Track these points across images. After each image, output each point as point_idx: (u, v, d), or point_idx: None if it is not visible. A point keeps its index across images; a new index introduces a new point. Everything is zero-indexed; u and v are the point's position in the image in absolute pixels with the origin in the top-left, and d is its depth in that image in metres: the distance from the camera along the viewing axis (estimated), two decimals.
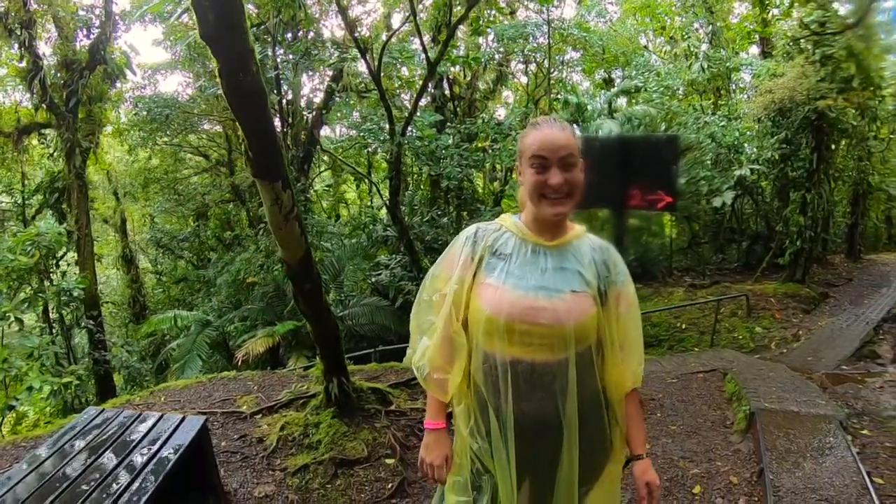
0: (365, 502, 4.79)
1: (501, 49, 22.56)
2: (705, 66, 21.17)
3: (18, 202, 20.72)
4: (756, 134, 19.13)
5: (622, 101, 21.82)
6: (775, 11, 21.40)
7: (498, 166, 23.76)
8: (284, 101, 16.50)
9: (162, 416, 4.36)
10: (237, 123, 4.49)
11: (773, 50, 19.75)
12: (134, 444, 3.98)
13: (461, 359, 2.42)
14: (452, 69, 20.50)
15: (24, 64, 16.27)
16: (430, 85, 18.06)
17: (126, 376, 18.61)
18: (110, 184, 24.58)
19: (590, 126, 17.08)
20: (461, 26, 16.54)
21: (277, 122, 16.09)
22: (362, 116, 19.91)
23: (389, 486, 4.96)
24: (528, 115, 20.62)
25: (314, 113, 19.15)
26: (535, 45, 22.36)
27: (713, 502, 4.78)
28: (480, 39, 21.91)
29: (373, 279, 16.87)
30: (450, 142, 17.00)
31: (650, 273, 19.78)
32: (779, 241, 17.56)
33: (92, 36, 17.39)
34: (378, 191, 20.64)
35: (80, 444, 4.04)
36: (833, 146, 16.77)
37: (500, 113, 28.54)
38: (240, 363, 12.95)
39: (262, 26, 14.52)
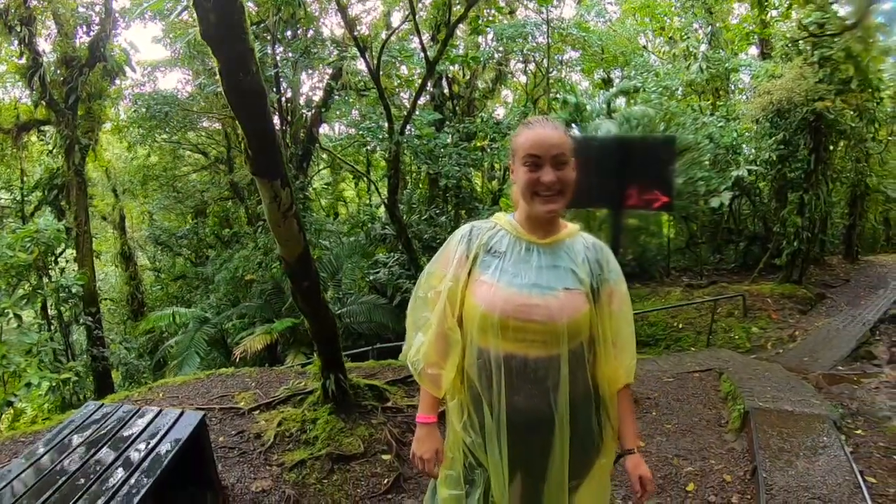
0: (361, 497, 4.82)
1: (501, 48, 22.55)
2: (704, 67, 21.22)
3: (17, 199, 20.71)
4: (754, 135, 19.16)
5: (621, 102, 21.85)
6: (774, 13, 21.41)
7: (496, 165, 23.78)
8: (284, 98, 16.53)
9: (160, 410, 4.38)
10: (237, 122, 4.52)
11: (772, 51, 19.77)
12: (132, 438, 4.01)
13: (455, 355, 2.47)
14: (452, 68, 20.52)
15: (23, 60, 16.27)
16: (429, 84, 18.08)
17: (124, 373, 18.61)
18: (109, 181, 24.55)
19: (588, 126, 17.10)
20: (461, 25, 16.56)
21: (277, 120, 16.10)
22: (361, 115, 19.90)
23: (385, 481, 5.00)
24: (527, 115, 20.63)
25: (313, 111, 19.17)
26: (534, 44, 22.39)
27: (706, 500, 4.81)
28: (480, 38, 21.92)
29: (371, 277, 16.89)
30: (448, 140, 17.02)
31: (648, 272, 19.85)
32: (776, 241, 17.60)
33: (92, 33, 17.40)
34: (377, 189, 20.65)
35: (78, 438, 4.06)
36: (831, 147, 16.80)
37: (500, 112, 28.57)
38: (238, 360, 12.99)
39: (262, 24, 14.53)
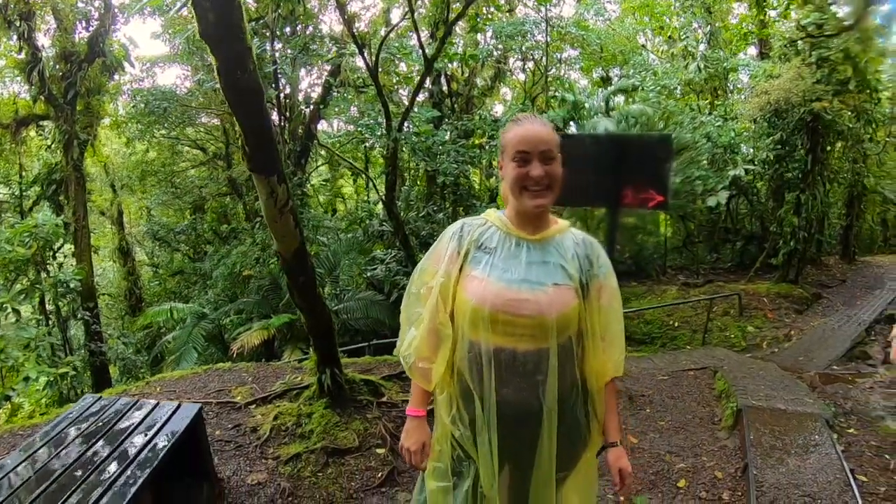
0: (355, 490, 4.86)
1: (500, 46, 22.58)
2: (702, 67, 21.23)
3: (16, 194, 20.73)
4: (752, 134, 19.19)
5: (620, 100, 21.87)
6: (773, 13, 21.43)
7: (494, 163, 23.72)
8: (282, 95, 16.54)
9: (157, 403, 4.41)
10: (234, 119, 4.57)
11: (770, 51, 19.80)
12: (130, 430, 4.03)
13: (445, 349, 2.51)
14: (451, 66, 20.55)
15: (22, 55, 16.30)
16: (427, 81, 18.10)
17: (122, 368, 18.63)
18: (108, 176, 24.54)
19: (586, 124, 17.12)
20: (460, 23, 16.58)
21: (275, 117, 16.13)
22: (360, 111, 19.93)
23: (379, 475, 5.04)
24: (526, 112, 20.65)
25: (312, 107, 19.19)
26: (532, 42, 22.40)
27: (697, 496, 4.85)
28: (479, 36, 21.93)
29: (368, 274, 16.92)
30: (446, 138, 17.04)
31: (644, 271, 19.87)
32: (773, 241, 17.62)
33: (91, 28, 17.44)
34: (374, 186, 20.67)
35: (76, 430, 4.09)
36: (828, 148, 16.81)
37: (498, 109, 28.61)
38: (235, 355, 13.01)
39: (261, 21, 14.54)
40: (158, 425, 4.07)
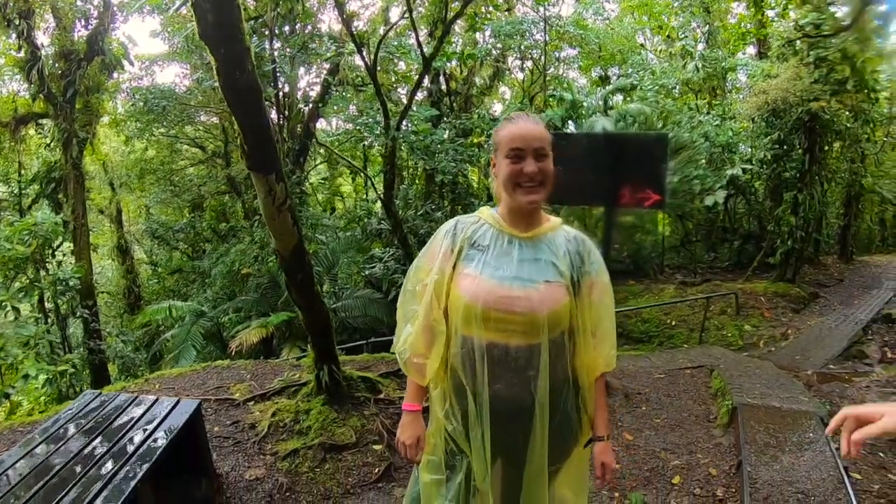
0: (352, 486, 4.92)
1: (498, 45, 22.59)
2: (700, 66, 21.24)
3: (15, 192, 20.73)
4: (750, 134, 19.21)
5: (619, 99, 21.89)
6: (771, 13, 21.44)
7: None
8: (281, 94, 16.57)
9: (157, 399, 4.45)
10: (233, 118, 4.61)
11: (769, 51, 19.82)
12: (129, 425, 4.07)
13: (440, 345, 2.55)
14: (449, 64, 20.56)
15: (22, 54, 16.29)
16: (426, 80, 18.11)
17: (120, 366, 18.63)
18: (106, 174, 24.52)
19: (584, 123, 17.15)
20: (459, 21, 16.60)
21: (274, 115, 16.16)
22: (359, 110, 19.93)
23: (376, 470, 5.10)
24: (525, 111, 20.65)
25: (311, 106, 19.20)
26: (531, 41, 22.41)
27: (692, 492, 4.89)
28: (478, 35, 21.94)
29: (366, 272, 16.94)
30: (445, 136, 17.04)
31: (642, 270, 19.89)
32: (770, 240, 17.64)
33: (90, 26, 17.44)
34: (373, 184, 20.69)
35: (76, 426, 4.12)
36: (826, 148, 16.83)
37: (497, 108, 28.60)
38: (233, 353, 13.02)
39: (260, 19, 14.55)
40: (158, 421, 4.11)
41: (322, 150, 23.68)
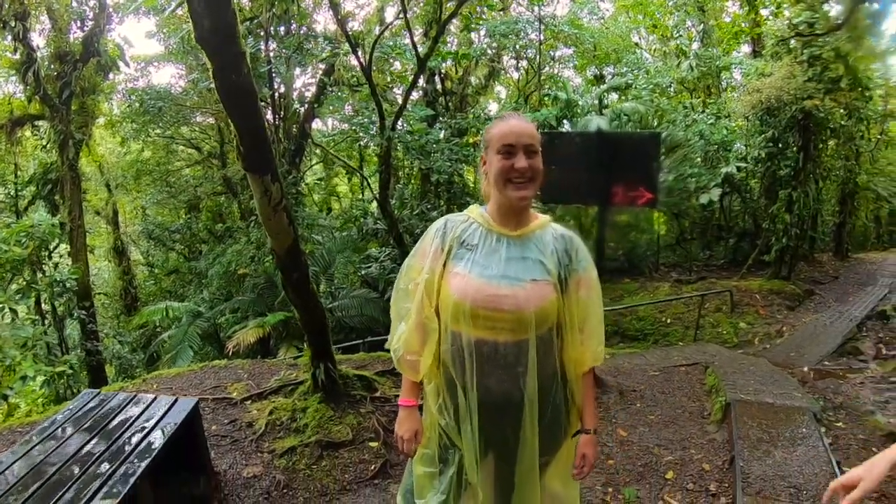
0: (349, 482, 4.96)
1: (494, 45, 22.60)
2: (694, 65, 21.28)
3: (11, 194, 20.73)
4: (744, 132, 19.26)
5: (614, 97, 21.95)
6: (765, 12, 21.49)
7: None
8: (277, 94, 16.58)
9: (155, 397, 4.50)
10: (230, 120, 4.66)
11: (763, 49, 19.87)
12: (128, 424, 4.11)
13: (432, 342, 2.61)
14: (444, 64, 20.58)
15: (17, 56, 16.29)
16: (421, 80, 18.13)
17: (118, 367, 18.67)
18: (102, 176, 24.47)
19: (579, 122, 17.19)
20: (454, 21, 16.61)
21: (269, 116, 16.17)
22: (354, 110, 19.95)
23: (373, 467, 5.15)
24: (519, 111, 20.69)
25: (306, 106, 19.20)
26: (526, 41, 22.43)
27: (685, 487, 4.93)
28: (473, 34, 21.94)
29: (363, 272, 16.97)
30: (440, 136, 17.07)
31: (637, 268, 19.92)
32: (765, 238, 17.67)
33: (86, 28, 17.47)
34: (368, 184, 20.70)
35: (75, 424, 4.16)
36: (821, 146, 16.87)
37: (492, 108, 28.60)
38: (231, 353, 13.05)
39: (255, 20, 14.57)
40: (156, 419, 4.15)
41: (318, 151, 23.69)
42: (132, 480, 3.41)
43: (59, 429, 4.10)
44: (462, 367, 2.50)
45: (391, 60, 19.91)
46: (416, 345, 2.64)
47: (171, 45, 20.04)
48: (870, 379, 8.16)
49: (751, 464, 4.94)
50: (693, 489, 4.89)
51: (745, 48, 25.06)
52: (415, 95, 19.53)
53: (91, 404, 4.47)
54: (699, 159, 18.86)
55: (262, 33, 14.63)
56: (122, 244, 24.69)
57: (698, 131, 18.29)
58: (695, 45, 23.92)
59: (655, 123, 17.50)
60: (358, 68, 15.16)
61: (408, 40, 14.63)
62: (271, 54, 14.92)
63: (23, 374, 10.12)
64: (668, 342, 13.90)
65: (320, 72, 18.84)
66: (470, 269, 2.48)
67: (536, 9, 20.52)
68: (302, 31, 16.16)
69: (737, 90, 24.00)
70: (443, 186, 18.78)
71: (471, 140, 18.67)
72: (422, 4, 17.92)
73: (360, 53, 13.92)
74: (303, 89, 19.49)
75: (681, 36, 24.83)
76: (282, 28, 15.83)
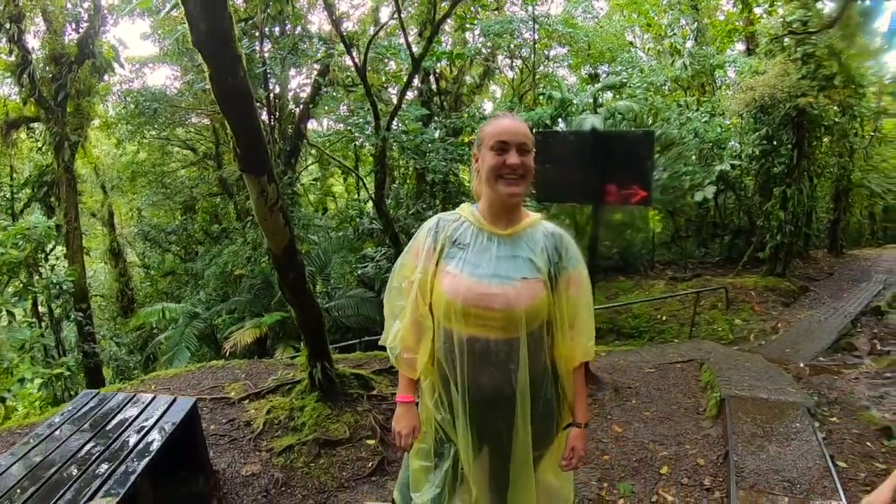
0: (346, 479, 5.00)
1: (488, 44, 22.63)
2: (688, 63, 21.32)
3: (7, 196, 20.68)
4: (738, 130, 19.32)
5: (608, 96, 21.97)
6: (759, 10, 21.53)
7: None
8: (272, 95, 16.57)
9: (154, 397, 4.53)
10: (226, 121, 4.70)
11: (757, 47, 19.91)
12: (127, 423, 4.14)
13: (427, 340, 2.67)
14: (439, 64, 20.59)
15: (12, 58, 16.24)
16: (416, 80, 18.15)
17: (115, 369, 18.64)
18: (98, 177, 24.42)
19: (574, 121, 17.21)
20: (448, 21, 16.63)
21: (265, 117, 16.16)
22: (350, 110, 19.97)
23: (370, 464, 5.19)
24: (514, 110, 20.71)
25: (301, 107, 19.19)
26: (520, 40, 22.46)
27: (679, 482, 4.96)
28: (467, 34, 21.96)
29: (359, 271, 16.98)
30: (435, 136, 17.09)
31: (632, 266, 19.97)
32: (760, 235, 17.73)
33: (80, 30, 17.42)
34: (364, 184, 20.72)
35: (76, 424, 4.19)
36: (815, 143, 16.93)
37: (487, 107, 28.63)
38: (228, 353, 13.05)
39: (250, 21, 14.57)
40: (155, 418, 4.18)
41: (313, 151, 23.69)
42: (131, 480, 3.44)
43: (59, 429, 4.12)
44: (455, 363, 2.54)
45: (386, 60, 19.93)
46: (411, 342, 2.69)
47: (165, 46, 20.05)
48: (864, 374, 8.20)
49: (745, 458, 4.98)
50: (688, 484, 4.93)
51: (739, 46, 25.16)
52: (410, 95, 19.58)
53: (90, 405, 4.50)
54: (694, 157, 18.94)
55: (256, 34, 14.63)
56: (118, 246, 24.61)
57: (693, 129, 18.33)
58: (689, 44, 23.94)
59: (650, 122, 17.52)
60: (353, 68, 15.15)
61: (402, 40, 14.64)
62: (266, 55, 14.93)
63: (20, 377, 10.15)
64: (664, 339, 13.94)
65: (315, 72, 18.84)
66: (461, 269, 2.53)
67: (531, 8, 20.54)
68: (297, 32, 16.16)
69: (731, 88, 24.04)
70: (438, 186, 18.80)
71: (466, 139, 18.66)
72: (416, 5, 17.92)
73: (354, 54, 13.91)
74: (298, 90, 19.50)
75: (675, 34, 24.87)
76: (276, 29, 15.83)
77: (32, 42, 17.35)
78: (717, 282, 16.57)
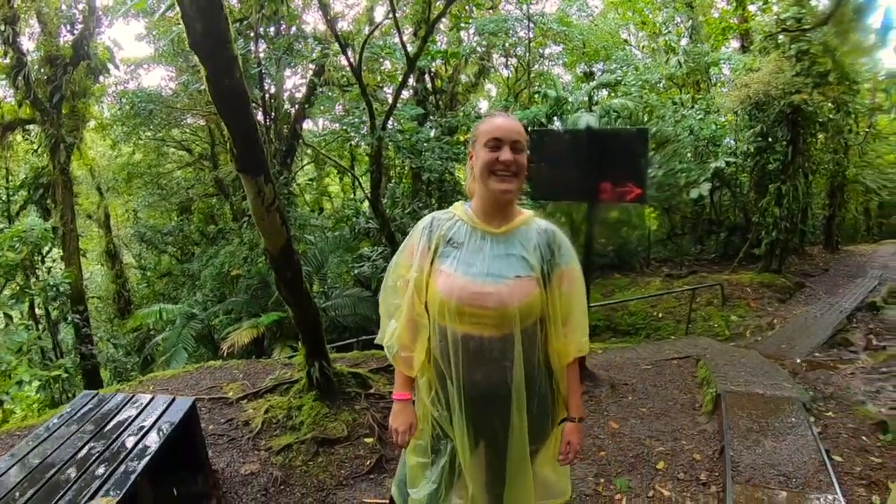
0: (345, 478, 5.02)
1: (483, 43, 22.64)
2: (683, 61, 21.35)
3: (3, 199, 20.66)
4: (733, 127, 19.35)
5: (604, 94, 21.97)
6: (753, 8, 21.56)
7: None
8: (267, 95, 16.57)
9: (153, 397, 4.55)
10: (222, 122, 4.73)
11: (751, 45, 19.96)
12: (126, 424, 4.15)
13: (423, 338, 2.71)
14: (435, 63, 20.60)
15: (7, 60, 16.22)
16: (411, 79, 18.15)
17: (112, 371, 18.62)
18: (94, 179, 24.36)
19: (569, 119, 17.22)
20: (443, 19, 16.64)
21: (260, 117, 16.16)
22: (345, 110, 19.97)
23: (368, 462, 5.21)
24: (509, 108, 20.75)
25: (297, 107, 19.20)
26: (515, 39, 22.48)
27: (676, 477, 4.99)
28: (462, 33, 21.97)
29: (355, 271, 16.96)
30: (431, 135, 17.09)
31: (628, 263, 20.00)
32: (755, 232, 17.78)
33: (76, 31, 17.39)
34: (360, 184, 20.72)
35: (75, 425, 4.20)
36: (809, 139, 16.97)
37: (483, 106, 28.63)
38: (225, 354, 13.05)
39: (245, 21, 14.56)
40: (154, 418, 4.20)
41: (309, 151, 23.67)
42: (130, 480, 3.46)
43: (58, 430, 4.14)
44: (450, 361, 2.57)
45: (381, 60, 19.90)
46: (408, 341, 2.73)
47: (160, 47, 20.03)
48: (860, 369, 8.22)
49: (741, 453, 5.01)
50: (684, 479, 4.96)
51: (734, 44, 25.18)
52: (405, 94, 19.56)
53: (89, 406, 4.52)
54: (689, 154, 18.97)
55: (252, 35, 14.63)
56: (115, 247, 24.58)
57: (688, 127, 18.37)
58: (683, 41, 24.01)
59: (645, 119, 17.52)
60: (348, 68, 15.15)
61: (397, 40, 14.64)
62: (261, 55, 14.93)
63: (18, 379, 10.17)
64: (660, 336, 13.97)
65: (310, 72, 18.84)
66: (455, 268, 2.57)
67: (525, 6, 20.55)
68: (292, 32, 16.17)
69: (726, 85, 24.11)
70: (434, 185, 18.78)
71: (461, 138, 18.67)
72: (411, 4, 17.94)
73: (349, 53, 13.91)
74: (293, 90, 19.52)
75: (669, 32, 24.93)
76: (272, 29, 15.83)
77: (27, 44, 17.36)
78: (712, 278, 16.62)
